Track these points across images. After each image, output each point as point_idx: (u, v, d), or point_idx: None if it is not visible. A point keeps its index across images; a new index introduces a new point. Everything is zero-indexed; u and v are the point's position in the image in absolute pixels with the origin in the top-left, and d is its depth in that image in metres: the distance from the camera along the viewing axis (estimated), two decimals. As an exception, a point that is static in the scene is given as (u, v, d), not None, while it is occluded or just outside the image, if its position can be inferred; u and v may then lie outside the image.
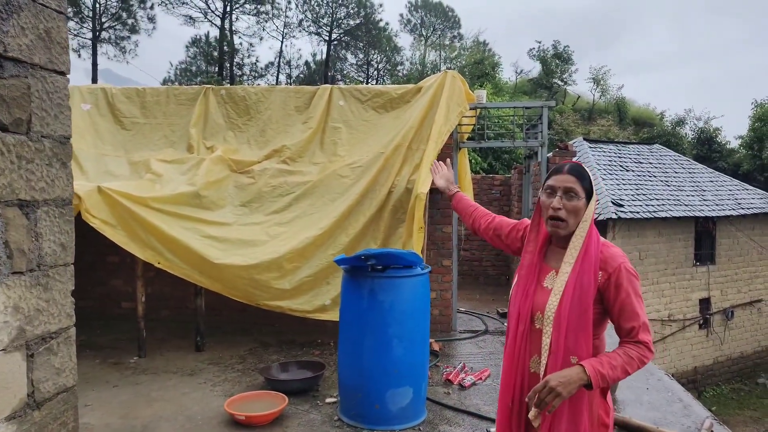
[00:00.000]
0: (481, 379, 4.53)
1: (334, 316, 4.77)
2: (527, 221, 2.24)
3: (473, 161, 14.83)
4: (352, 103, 5.83)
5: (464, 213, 2.53)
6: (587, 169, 1.99)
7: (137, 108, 6.04)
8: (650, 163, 14.98)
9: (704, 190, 14.23)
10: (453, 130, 5.62)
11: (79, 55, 26.43)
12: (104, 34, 26.63)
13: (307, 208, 5.22)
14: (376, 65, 33.85)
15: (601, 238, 1.98)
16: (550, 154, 6.72)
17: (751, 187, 15.54)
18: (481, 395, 4.22)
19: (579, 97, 31.51)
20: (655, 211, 12.35)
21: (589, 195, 1.94)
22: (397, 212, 5.19)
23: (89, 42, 26.04)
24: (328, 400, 4.06)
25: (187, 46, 29.89)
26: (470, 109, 5.93)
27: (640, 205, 12.42)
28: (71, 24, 25.62)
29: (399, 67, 33.90)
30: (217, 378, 4.55)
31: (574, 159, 11.46)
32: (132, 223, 4.71)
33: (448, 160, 3.04)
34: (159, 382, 4.44)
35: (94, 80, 25.03)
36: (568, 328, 1.86)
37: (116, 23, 26.69)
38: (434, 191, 5.72)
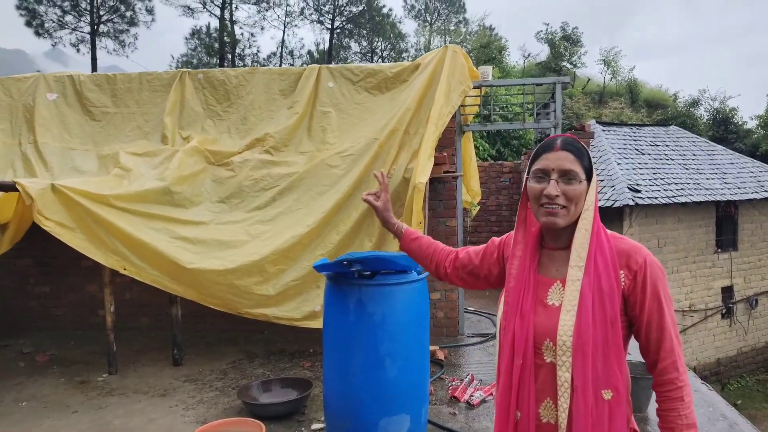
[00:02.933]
0: (491, 394, 3.97)
1: (324, 324, 4.22)
2: (496, 239, 1.72)
3: (480, 148, 14.16)
4: (342, 85, 5.22)
5: (422, 256, 1.92)
6: (582, 143, 1.46)
7: (107, 96, 5.47)
8: (667, 145, 14.23)
9: (725, 173, 13.48)
10: (455, 111, 5.02)
11: (78, 50, 25.91)
12: (103, 28, 26.07)
13: (292, 204, 4.65)
14: (380, 53, 32.99)
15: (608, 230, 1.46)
16: (565, 137, 6.10)
17: (774, 169, 14.75)
18: (491, 416, 3.65)
19: (589, 80, 30.54)
20: (674, 197, 11.63)
21: (589, 176, 1.43)
22: (394, 205, 4.60)
23: (88, 36, 25.51)
24: (314, 426, 3.51)
25: (186, 39, 29.21)
26: (474, 87, 5.31)
27: (658, 191, 11.71)
28: (69, 18, 25.15)
29: (404, 54, 33.03)
30: (191, 399, 4.01)
31: (592, 141, 10.65)
32: (92, 225, 4.16)
33: (382, 171, 2.32)
34: (125, 406, 3.91)
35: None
36: (594, 352, 1.32)
37: (114, 16, 26.11)
38: (435, 180, 5.13)
